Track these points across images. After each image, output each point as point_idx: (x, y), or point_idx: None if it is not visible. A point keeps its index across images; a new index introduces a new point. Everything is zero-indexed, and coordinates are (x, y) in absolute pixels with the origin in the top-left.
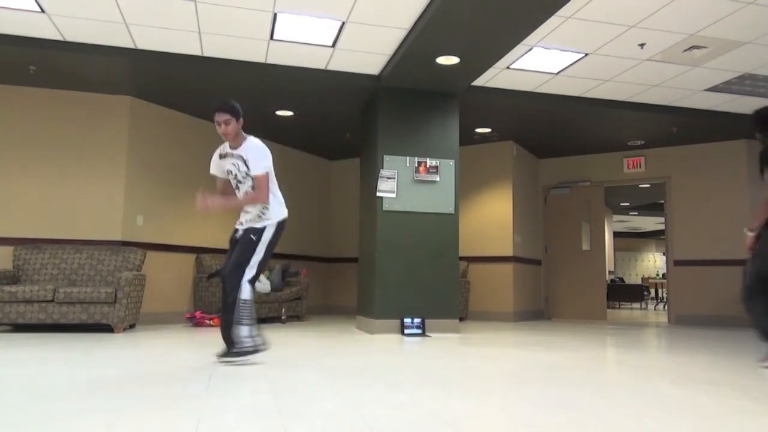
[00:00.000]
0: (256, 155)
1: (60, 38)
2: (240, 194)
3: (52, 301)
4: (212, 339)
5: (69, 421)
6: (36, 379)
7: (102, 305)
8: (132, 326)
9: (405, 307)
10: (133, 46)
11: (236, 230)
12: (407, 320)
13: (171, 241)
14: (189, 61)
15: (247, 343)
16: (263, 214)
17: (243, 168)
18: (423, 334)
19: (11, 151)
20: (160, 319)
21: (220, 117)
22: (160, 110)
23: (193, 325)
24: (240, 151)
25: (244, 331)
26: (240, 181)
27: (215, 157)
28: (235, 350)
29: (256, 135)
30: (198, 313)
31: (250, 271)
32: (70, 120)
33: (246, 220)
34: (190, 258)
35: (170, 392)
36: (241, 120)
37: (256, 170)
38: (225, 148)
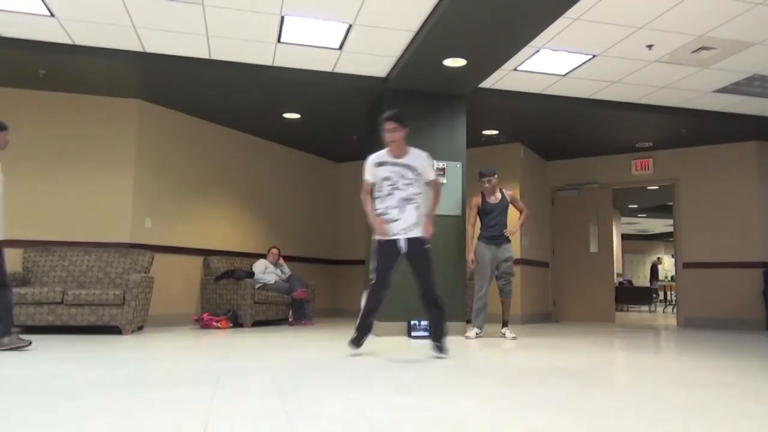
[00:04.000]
0: (429, 164)
1: (69, 42)
2: (393, 199)
3: (61, 303)
4: (220, 341)
5: (77, 423)
6: (45, 381)
7: (110, 307)
8: (140, 328)
9: (411, 310)
10: (141, 50)
11: (393, 241)
12: (414, 322)
13: (179, 243)
14: (197, 64)
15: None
16: (419, 222)
17: (411, 176)
18: (429, 337)
19: (21, 154)
20: (168, 321)
21: (387, 125)
22: (169, 113)
23: (201, 327)
24: (408, 160)
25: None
26: (398, 188)
27: (371, 165)
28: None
29: (264, 137)
30: (205, 315)
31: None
32: (79, 123)
33: (406, 227)
34: (198, 260)
35: (178, 394)
36: (407, 130)
37: (432, 175)
38: (383, 156)
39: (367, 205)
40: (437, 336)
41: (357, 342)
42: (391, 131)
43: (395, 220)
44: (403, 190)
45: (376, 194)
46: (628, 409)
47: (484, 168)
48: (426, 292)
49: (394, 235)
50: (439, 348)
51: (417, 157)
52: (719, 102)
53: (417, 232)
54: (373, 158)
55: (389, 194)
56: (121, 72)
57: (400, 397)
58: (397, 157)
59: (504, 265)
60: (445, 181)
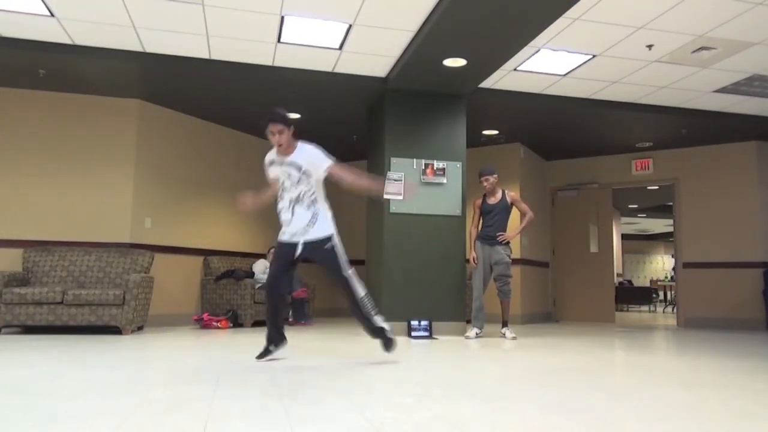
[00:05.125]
0: (317, 156)
1: (69, 42)
2: (284, 201)
3: (61, 303)
4: (220, 341)
5: (77, 423)
6: (45, 381)
7: (110, 307)
8: (140, 328)
9: (412, 310)
10: (141, 50)
11: (289, 244)
12: (414, 322)
13: (179, 243)
14: (197, 64)
15: (388, 329)
16: (314, 221)
17: (296, 174)
18: (430, 337)
19: (20, 154)
20: (168, 321)
21: (273, 128)
22: (169, 113)
23: (201, 327)
24: (293, 158)
25: (379, 321)
26: (286, 189)
27: (265, 164)
28: (386, 341)
29: (264, 137)
30: (205, 315)
31: (349, 269)
32: (79, 123)
33: (297, 231)
34: (198, 260)
35: (178, 394)
36: (292, 128)
37: (328, 163)
38: (273, 155)
39: (257, 196)
40: (374, 335)
41: (264, 353)
42: (279, 134)
43: (288, 224)
44: (291, 191)
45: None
46: (629, 409)
47: (483, 168)
48: (345, 290)
49: (287, 239)
50: (385, 345)
51: (301, 151)
52: (719, 102)
53: (313, 234)
54: (267, 157)
55: (281, 197)
56: (121, 72)
57: (400, 397)
58: (284, 155)
59: (497, 267)
60: (445, 181)
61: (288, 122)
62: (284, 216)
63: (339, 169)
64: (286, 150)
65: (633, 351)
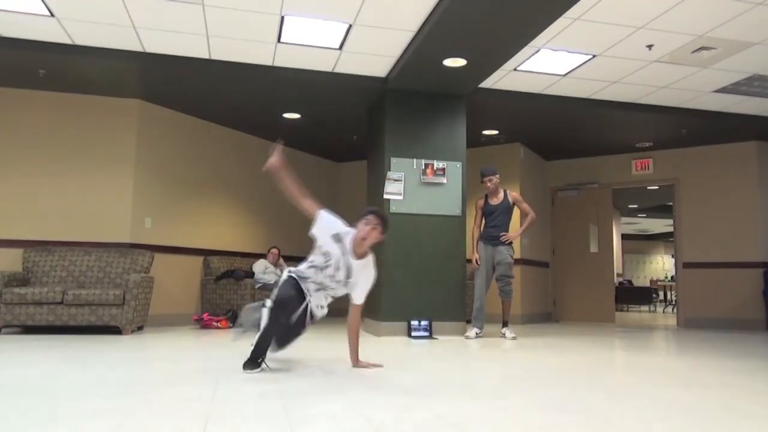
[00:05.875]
0: (367, 286)
1: (69, 42)
2: (318, 276)
3: (61, 303)
4: (220, 341)
5: (77, 423)
6: (45, 381)
7: (110, 307)
8: (140, 328)
9: (412, 310)
10: (141, 50)
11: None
12: (414, 322)
13: (179, 243)
14: (197, 64)
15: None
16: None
17: (342, 277)
18: (430, 337)
19: (21, 154)
20: (168, 321)
21: (375, 222)
22: (169, 113)
23: (201, 327)
24: (355, 264)
25: None
26: (325, 273)
27: (327, 228)
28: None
29: (264, 137)
30: (205, 315)
31: None
32: (79, 123)
33: (318, 303)
34: (198, 260)
35: (178, 394)
36: (383, 238)
37: (361, 300)
38: (342, 232)
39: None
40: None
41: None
42: (372, 231)
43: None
44: (326, 278)
45: (310, 258)
46: (629, 409)
47: (485, 168)
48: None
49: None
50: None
51: (365, 268)
52: (719, 102)
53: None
54: (335, 224)
55: (316, 269)
56: (121, 72)
57: (400, 397)
58: (354, 252)
59: (499, 267)
60: (445, 181)
61: (386, 230)
62: (309, 286)
63: (357, 308)
64: (359, 249)
65: (633, 351)
